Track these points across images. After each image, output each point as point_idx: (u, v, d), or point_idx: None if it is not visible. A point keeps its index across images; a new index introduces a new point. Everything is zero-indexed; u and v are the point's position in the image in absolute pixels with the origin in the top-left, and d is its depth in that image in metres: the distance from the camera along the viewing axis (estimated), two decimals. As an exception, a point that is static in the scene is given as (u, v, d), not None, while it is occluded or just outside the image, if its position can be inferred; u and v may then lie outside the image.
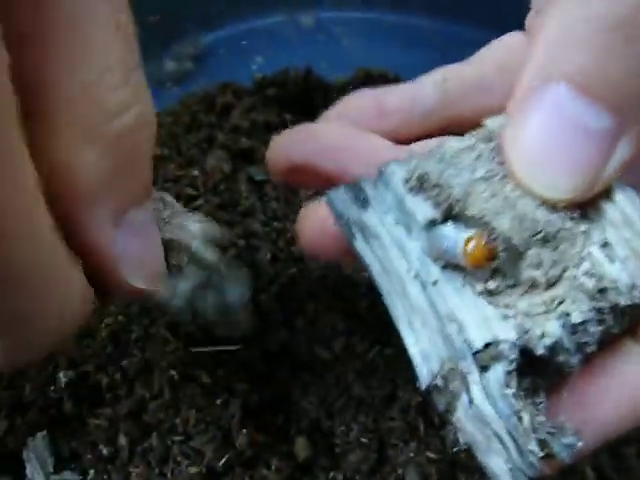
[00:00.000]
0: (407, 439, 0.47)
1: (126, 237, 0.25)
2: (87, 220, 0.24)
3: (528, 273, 0.30)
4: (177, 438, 0.46)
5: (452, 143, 0.33)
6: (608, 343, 0.31)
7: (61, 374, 0.47)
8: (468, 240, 0.30)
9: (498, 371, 0.28)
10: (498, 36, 0.43)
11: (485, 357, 0.28)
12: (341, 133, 0.39)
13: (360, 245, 0.33)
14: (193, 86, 0.68)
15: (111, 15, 0.22)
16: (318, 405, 0.49)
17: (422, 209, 0.32)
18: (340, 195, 0.34)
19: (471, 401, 0.28)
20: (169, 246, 0.34)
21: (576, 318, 0.28)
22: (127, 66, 0.22)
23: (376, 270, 0.32)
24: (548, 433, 0.27)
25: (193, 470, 0.44)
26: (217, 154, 0.59)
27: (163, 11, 0.65)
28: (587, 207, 0.30)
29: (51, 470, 0.45)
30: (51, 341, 0.24)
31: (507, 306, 0.29)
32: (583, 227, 0.30)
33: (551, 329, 0.28)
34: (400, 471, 0.46)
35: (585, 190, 0.29)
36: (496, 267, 0.30)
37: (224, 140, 0.61)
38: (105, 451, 0.45)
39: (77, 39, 0.21)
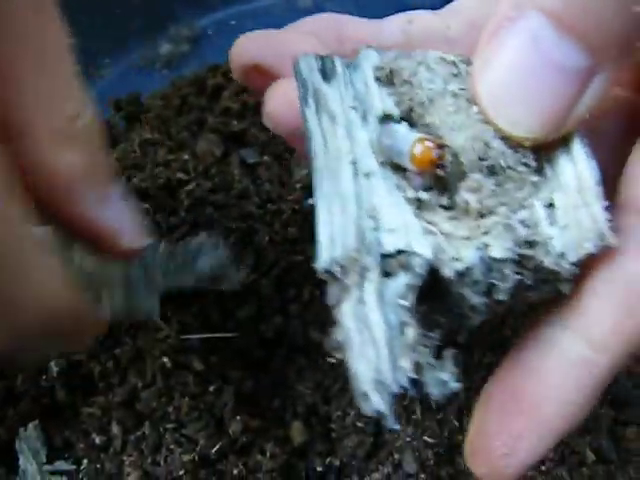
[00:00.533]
0: (403, 423, 0.47)
1: (114, 209, 0.31)
2: (79, 202, 0.30)
3: (464, 196, 0.29)
4: (170, 426, 0.45)
5: (437, 54, 0.32)
6: (530, 329, 0.30)
7: (53, 363, 0.47)
8: (419, 140, 0.29)
9: (400, 281, 0.26)
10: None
11: (392, 263, 0.27)
12: (306, 44, 0.38)
13: (310, 114, 0.32)
14: (189, 68, 0.67)
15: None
16: (314, 390, 0.48)
17: (383, 101, 0.31)
18: (309, 61, 0.33)
19: (361, 300, 0.26)
20: None
21: (495, 253, 0.27)
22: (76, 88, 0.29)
23: (317, 142, 0.31)
24: (428, 363, 0.26)
25: (186, 458, 0.44)
26: (208, 137, 0.58)
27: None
28: (545, 158, 0.30)
29: (44, 460, 0.45)
30: (40, 331, 0.27)
31: (432, 223, 0.28)
32: (534, 178, 0.29)
33: (467, 255, 0.27)
34: (397, 456, 0.46)
35: (551, 131, 0.28)
36: (435, 181, 0.29)
37: (215, 123, 0.60)
38: (98, 440, 0.45)
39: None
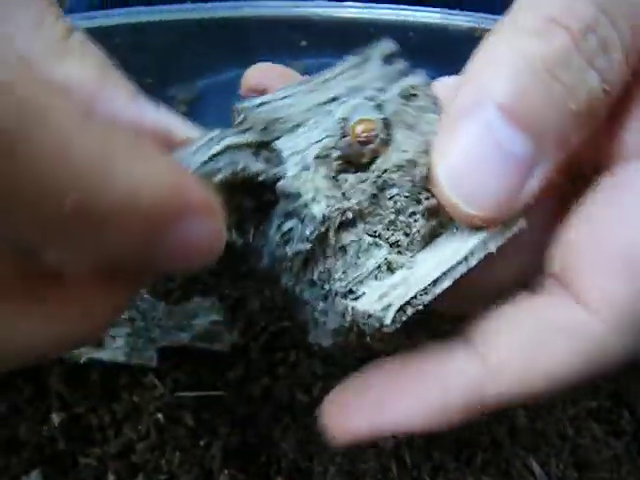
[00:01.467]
0: (380, 479, 0.50)
1: (149, 109, 0.31)
2: (110, 104, 0.29)
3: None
4: (162, 477, 0.48)
5: None
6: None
7: (54, 415, 0.50)
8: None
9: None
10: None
11: None
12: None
13: None
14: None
15: None
16: (297, 447, 0.51)
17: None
18: None
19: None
20: None
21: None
22: None
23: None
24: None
25: (176, 509, 0.47)
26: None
27: (160, 57, 0.68)
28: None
29: (43, 507, 0.48)
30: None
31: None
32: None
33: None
34: (373, 511, 0.49)
35: (501, 210, 0.31)
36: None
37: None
38: (95, 489, 0.48)
39: None
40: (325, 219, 0.31)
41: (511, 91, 0.30)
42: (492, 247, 0.32)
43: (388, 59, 0.35)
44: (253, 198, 0.32)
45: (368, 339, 0.31)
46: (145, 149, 0.21)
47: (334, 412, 0.33)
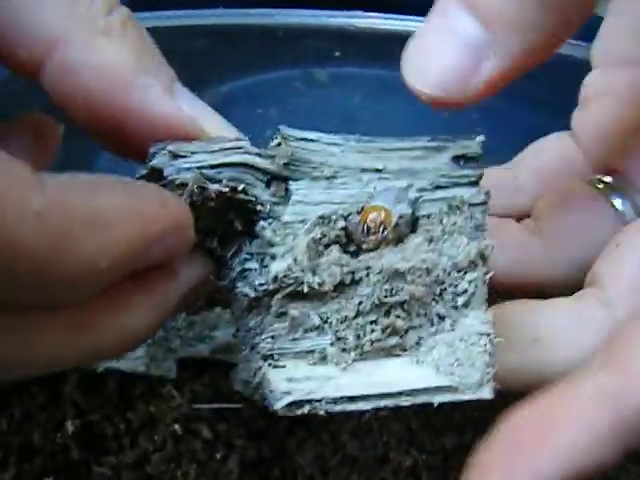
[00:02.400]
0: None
1: (185, 101, 0.30)
2: (144, 93, 0.29)
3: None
4: (177, 490, 0.48)
5: None
6: None
7: (68, 422, 0.50)
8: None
9: None
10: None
11: None
12: None
13: None
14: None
15: None
16: (313, 462, 0.51)
17: None
18: None
19: None
20: None
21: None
22: None
23: None
24: None
25: (192, 523, 0.46)
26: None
27: (185, 63, 0.67)
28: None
29: (56, 517, 0.47)
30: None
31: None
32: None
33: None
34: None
35: (448, 90, 0.31)
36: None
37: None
38: (108, 500, 0.48)
39: None
40: (277, 280, 0.30)
41: None
42: (436, 399, 0.31)
43: (461, 159, 0.33)
44: (245, 223, 0.32)
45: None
46: (104, 199, 0.23)
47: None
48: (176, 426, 0.49)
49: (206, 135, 0.31)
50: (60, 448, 0.49)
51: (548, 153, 0.48)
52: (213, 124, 0.31)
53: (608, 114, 0.45)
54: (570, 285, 0.39)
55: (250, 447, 0.50)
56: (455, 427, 0.52)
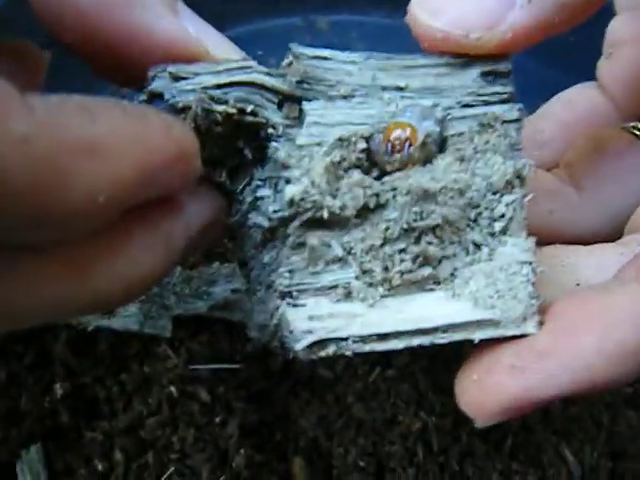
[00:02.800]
0: (405, 465, 0.47)
1: (189, 21, 0.28)
2: (144, 9, 0.26)
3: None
4: (174, 456, 0.45)
5: None
6: None
7: (57, 385, 0.47)
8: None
9: None
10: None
11: None
12: None
13: None
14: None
15: None
16: (317, 425, 0.48)
17: None
18: None
19: None
20: None
21: None
22: None
23: None
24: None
25: (189, 490, 0.44)
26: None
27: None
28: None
29: (45, 484, 0.44)
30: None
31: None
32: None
33: None
34: (398, 497, 0.46)
35: (476, 32, 0.29)
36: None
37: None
38: (100, 466, 0.45)
39: None
40: (293, 204, 0.27)
41: None
42: (476, 336, 0.28)
43: (491, 75, 0.30)
44: (255, 151, 0.29)
45: None
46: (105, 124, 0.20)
47: (473, 385, 0.29)
48: (172, 388, 0.46)
49: (212, 58, 0.28)
50: (48, 412, 0.46)
51: (574, 105, 0.46)
52: (219, 45, 0.29)
53: (636, 60, 0.42)
54: (608, 234, 0.36)
55: (251, 410, 0.47)
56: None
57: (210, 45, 0.28)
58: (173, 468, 0.44)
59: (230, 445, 0.45)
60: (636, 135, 0.42)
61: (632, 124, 0.43)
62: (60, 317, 0.23)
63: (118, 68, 0.28)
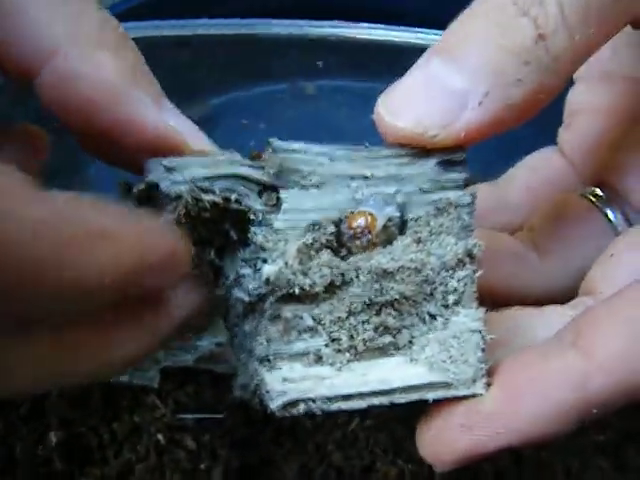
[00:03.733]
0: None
1: (171, 115, 0.32)
2: (136, 106, 0.30)
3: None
4: (161, 501, 0.47)
5: None
6: None
7: (52, 434, 0.49)
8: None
9: None
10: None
11: None
12: None
13: None
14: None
15: None
16: (298, 472, 0.50)
17: None
18: None
19: None
20: None
21: None
22: None
23: None
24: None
25: (176, 534, 0.46)
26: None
27: (174, 75, 0.67)
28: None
29: (39, 530, 0.46)
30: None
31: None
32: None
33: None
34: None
35: (431, 129, 0.31)
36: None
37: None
38: (93, 511, 0.47)
39: None
40: (269, 282, 0.31)
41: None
42: (430, 396, 0.32)
43: (447, 164, 0.34)
44: (240, 232, 0.32)
45: None
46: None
47: (430, 438, 0.33)
48: (160, 436, 0.49)
49: (189, 148, 0.32)
50: (43, 460, 0.49)
51: (537, 170, 0.49)
52: (195, 137, 0.32)
53: (593, 130, 0.45)
54: (566, 295, 0.39)
55: (234, 457, 0.50)
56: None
57: (188, 137, 0.32)
58: (160, 513, 0.47)
59: (215, 491, 0.48)
60: (592, 202, 0.44)
61: (590, 190, 0.46)
62: (47, 388, 0.27)
63: (111, 152, 0.32)
